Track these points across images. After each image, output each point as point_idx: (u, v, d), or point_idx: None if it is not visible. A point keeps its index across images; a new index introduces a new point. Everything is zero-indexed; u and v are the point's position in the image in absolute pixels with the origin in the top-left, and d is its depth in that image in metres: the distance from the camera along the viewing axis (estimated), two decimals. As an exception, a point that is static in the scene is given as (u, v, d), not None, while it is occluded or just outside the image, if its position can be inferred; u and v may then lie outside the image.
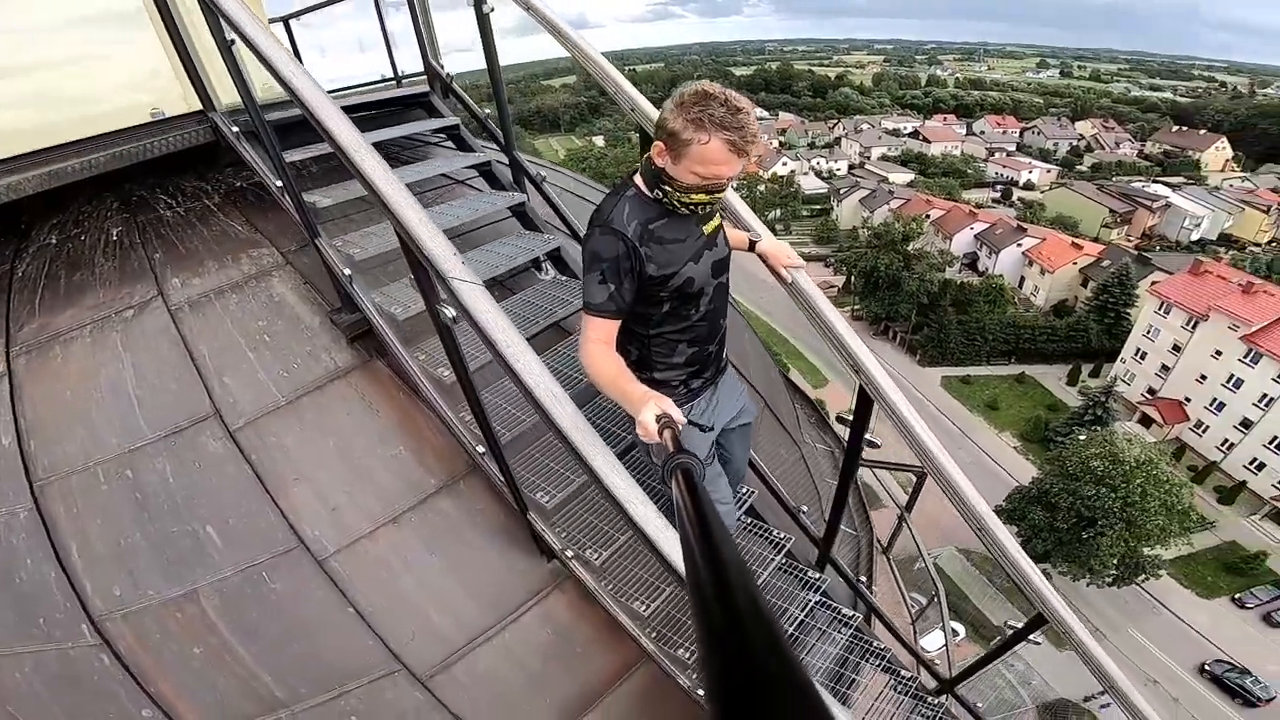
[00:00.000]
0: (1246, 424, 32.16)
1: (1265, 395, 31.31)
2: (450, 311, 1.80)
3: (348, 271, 2.65)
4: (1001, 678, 23.23)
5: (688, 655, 2.58)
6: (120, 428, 2.53)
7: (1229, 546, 29.00)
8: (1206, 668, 24.34)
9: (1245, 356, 31.91)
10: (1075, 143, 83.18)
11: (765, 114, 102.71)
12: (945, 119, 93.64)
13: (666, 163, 1.69)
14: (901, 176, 69.38)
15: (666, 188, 1.73)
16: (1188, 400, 34.93)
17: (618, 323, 1.80)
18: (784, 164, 70.83)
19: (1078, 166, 77.28)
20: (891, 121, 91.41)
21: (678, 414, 1.49)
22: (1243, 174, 74.89)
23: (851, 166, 75.26)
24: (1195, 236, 55.27)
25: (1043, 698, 22.74)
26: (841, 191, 62.20)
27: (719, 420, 2.26)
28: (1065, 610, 2.36)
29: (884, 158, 77.85)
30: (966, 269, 50.18)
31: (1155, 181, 66.19)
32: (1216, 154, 78.00)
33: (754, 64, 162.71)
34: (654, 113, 2.46)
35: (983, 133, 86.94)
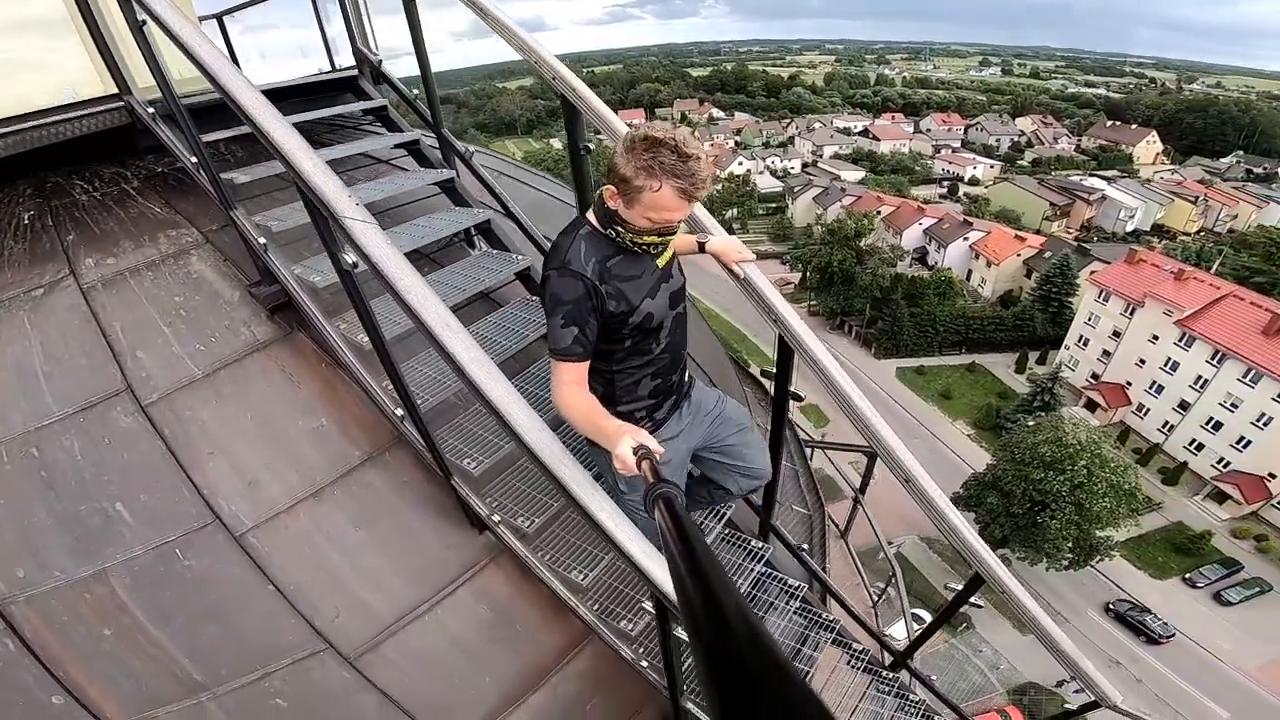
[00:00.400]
0: (1184, 406, 33.57)
1: (1200, 377, 32.71)
2: (349, 257, 1.78)
3: (263, 241, 2.59)
4: (970, 664, 23.81)
5: (631, 627, 2.58)
6: (26, 406, 2.43)
7: (1176, 527, 30.11)
8: (1111, 606, 25.96)
9: (1180, 340, 33.32)
10: (1016, 139, 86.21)
11: (721, 114, 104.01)
12: (894, 117, 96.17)
13: (619, 206, 1.69)
14: (853, 174, 70.86)
15: (619, 228, 1.74)
16: (1129, 384, 36.31)
17: (587, 363, 1.80)
18: (740, 163, 71.79)
19: (1019, 162, 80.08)
20: (842, 120, 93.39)
21: (654, 444, 1.49)
22: (1171, 166, 78.83)
23: (805, 165, 76.55)
24: (1130, 227, 57.80)
25: (1011, 682, 23.37)
26: (795, 190, 63.27)
27: (695, 435, 2.27)
28: (1000, 568, 2.40)
29: (836, 156, 79.40)
30: (917, 263, 51.49)
31: (1091, 175, 69.11)
32: (1147, 148, 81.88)
33: (710, 65, 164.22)
34: (601, 107, 2.50)
35: (929, 130, 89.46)
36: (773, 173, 74.39)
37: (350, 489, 2.60)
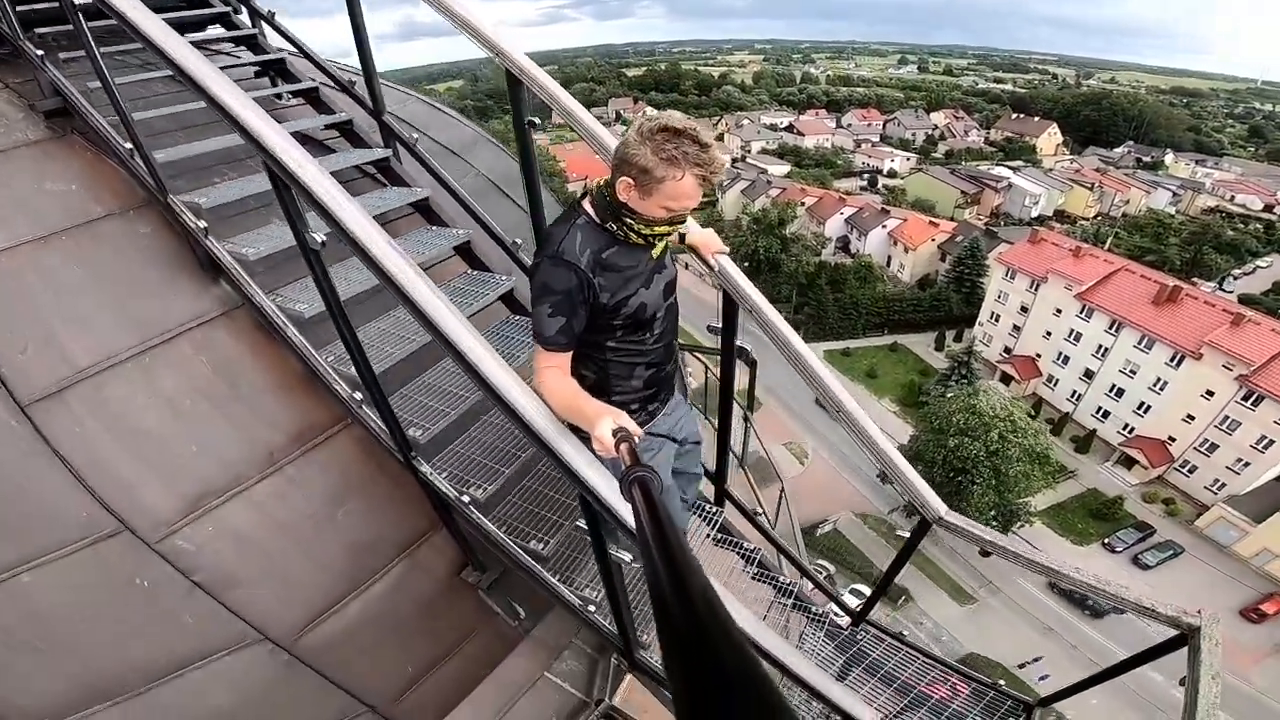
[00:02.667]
0: (1089, 374, 34.88)
1: (1101, 346, 34.05)
2: (319, 236, 1.84)
3: None
4: (913, 636, 23.67)
5: (421, 436, 2.48)
6: None
7: (1091, 494, 30.93)
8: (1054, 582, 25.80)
9: (1081, 313, 34.60)
10: (930, 132, 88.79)
11: (655, 112, 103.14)
12: (818, 113, 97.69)
13: (632, 198, 1.64)
14: (779, 168, 71.40)
15: (628, 220, 1.68)
16: (1039, 356, 37.55)
17: (570, 353, 1.76)
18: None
19: (933, 154, 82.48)
20: (769, 117, 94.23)
21: (634, 427, 1.44)
22: (1070, 156, 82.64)
23: (734, 160, 76.72)
24: (1034, 213, 60.02)
25: (953, 654, 23.37)
26: (724, 184, 63.11)
27: (683, 434, 2.31)
28: (928, 491, 2.29)
29: (764, 151, 79.98)
30: (840, 251, 52.13)
31: (999, 165, 71.70)
32: (1049, 139, 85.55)
33: (644, 64, 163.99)
34: (545, 78, 2.47)
35: (850, 125, 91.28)
36: (703, 168, 73.96)
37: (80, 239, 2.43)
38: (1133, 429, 32.88)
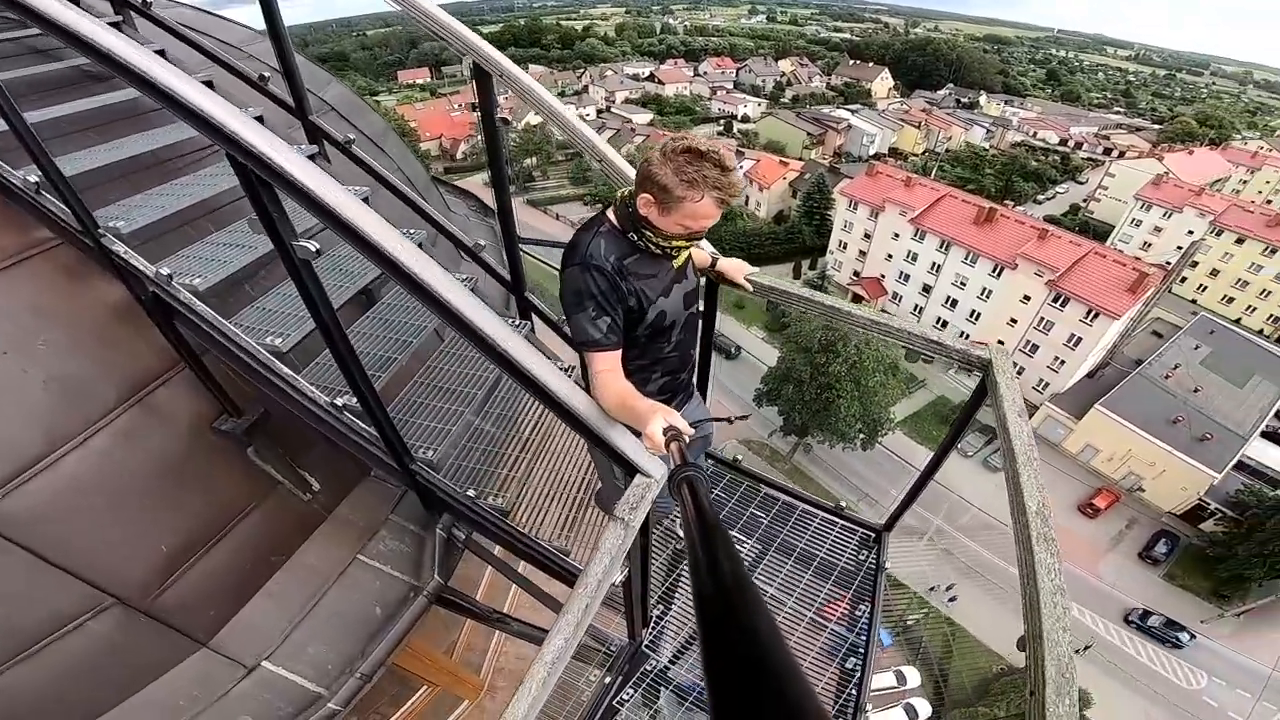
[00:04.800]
0: (927, 289, 37.30)
1: (934, 263, 36.43)
2: (312, 245, 1.48)
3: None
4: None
5: None
6: None
7: (940, 401, 33.03)
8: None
9: (915, 235, 36.74)
10: (779, 79, 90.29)
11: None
12: (676, 63, 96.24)
13: (652, 214, 1.64)
14: (642, 117, 69.70)
15: (647, 233, 1.68)
16: (883, 277, 39.61)
17: (619, 351, 1.71)
18: (534, 115, 67.13)
19: (781, 99, 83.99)
20: (632, 68, 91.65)
21: (685, 426, 1.40)
22: (900, 98, 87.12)
23: (599, 111, 74.02)
24: (872, 150, 62.87)
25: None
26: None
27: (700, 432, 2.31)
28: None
29: (627, 101, 77.67)
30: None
31: (840, 108, 74.13)
32: (882, 83, 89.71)
33: (503, 20, 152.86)
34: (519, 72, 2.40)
35: (706, 74, 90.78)
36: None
37: None
38: (967, 335, 35.40)
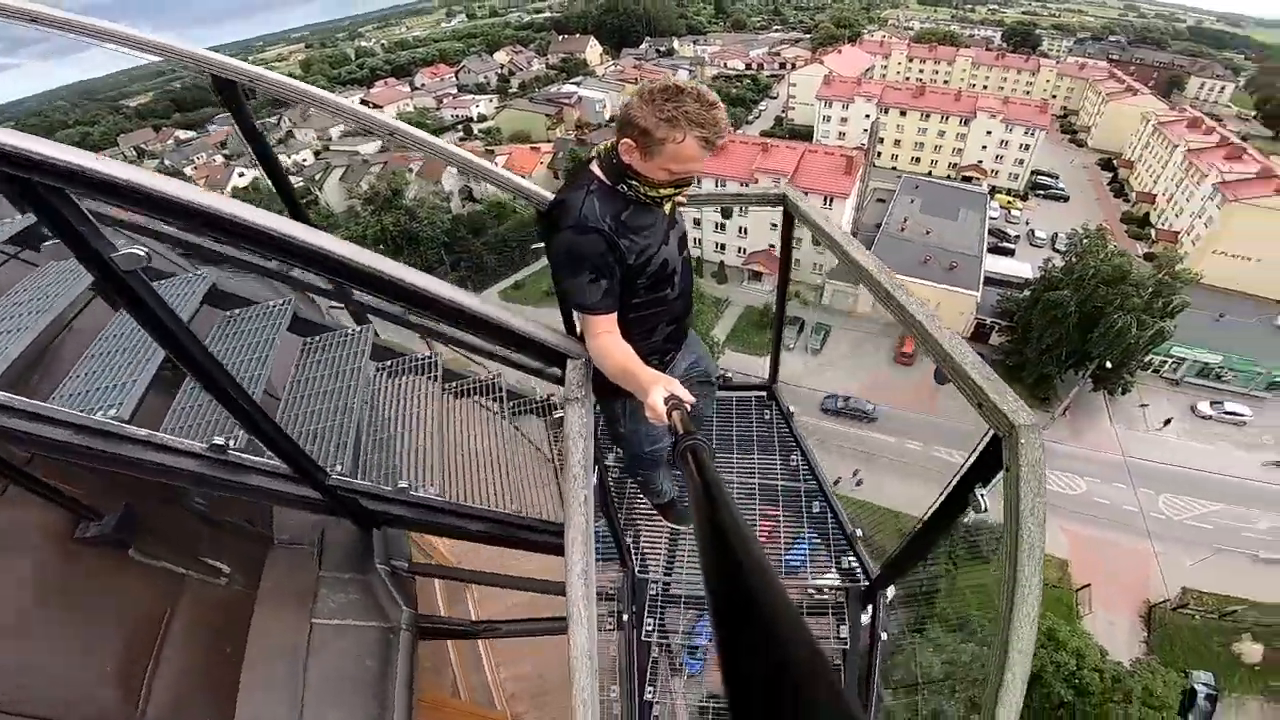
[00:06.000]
0: (698, 223, 40.22)
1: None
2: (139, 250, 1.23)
3: None
4: None
5: None
6: None
7: (748, 313, 36.47)
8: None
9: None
10: (500, 71, 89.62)
11: (190, 133, 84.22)
12: (387, 83, 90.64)
13: (635, 159, 1.55)
14: (370, 145, 64.91)
15: (633, 182, 1.59)
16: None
17: (615, 313, 1.66)
18: (240, 175, 58.66)
19: (510, 90, 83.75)
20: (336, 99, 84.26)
21: (686, 395, 1.38)
22: (613, 61, 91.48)
23: (316, 152, 67.52)
24: (606, 115, 65.58)
25: None
26: (318, 178, 55.20)
27: (700, 371, 2.33)
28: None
29: (345, 134, 71.60)
30: (466, 200, 50.47)
31: (566, 84, 75.94)
32: (593, 51, 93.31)
33: (155, 89, 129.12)
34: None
35: (424, 85, 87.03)
36: (282, 172, 63.35)
37: None
38: (743, 249, 39.33)
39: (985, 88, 68.62)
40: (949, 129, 51.53)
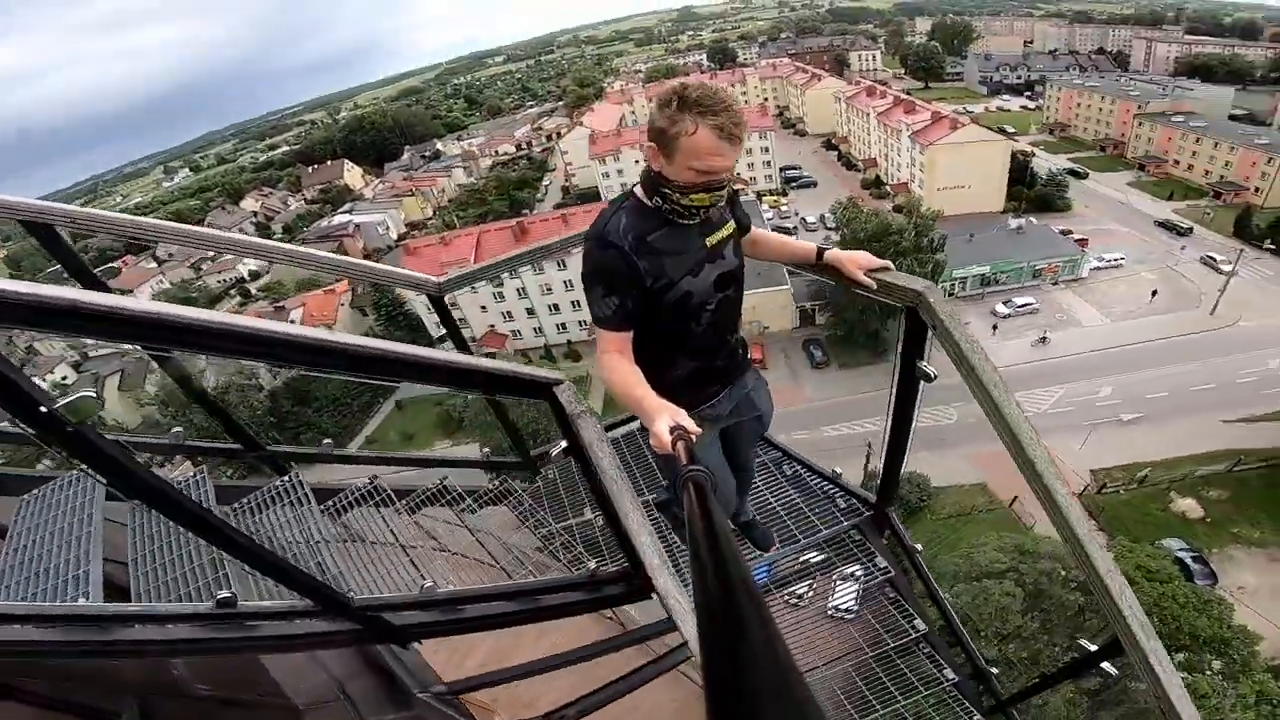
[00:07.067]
0: (532, 313, 39.95)
1: (519, 289, 39.84)
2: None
3: None
4: None
5: None
6: None
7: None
8: None
9: (494, 285, 38.86)
10: (254, 220, 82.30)
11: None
12: (126, 261, 78.74)
13: (661, 164, 1.54)
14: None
15: (665, 190, 1.55)
16: (494, 328, 41.45)
17: (630, 332, 1.65)
18: None
19: (274, 236, 77.29)
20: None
21: (691, 425, 1.33)
22: (378, 180, 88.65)
23: (76, 365, 56.54)
24: (394, 235, 63.28)
25: None
26: (97, 393, 46.06)
27: (751, 412, 2.16)
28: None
29: (101, 337, 60.88)
30: (277, 371, 45.34)
31: (336, 215, 72.10)
32: (351, 173, 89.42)
33: None
34: None
35: (171, 255, 77.09)
36: None
37: None
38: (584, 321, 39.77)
39: (716, 108, 77.52)
40: (704, 152, 57.18)
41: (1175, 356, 31.13)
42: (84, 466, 1.24)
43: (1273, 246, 39.73)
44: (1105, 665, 2.06)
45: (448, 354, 1.54)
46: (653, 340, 1.72)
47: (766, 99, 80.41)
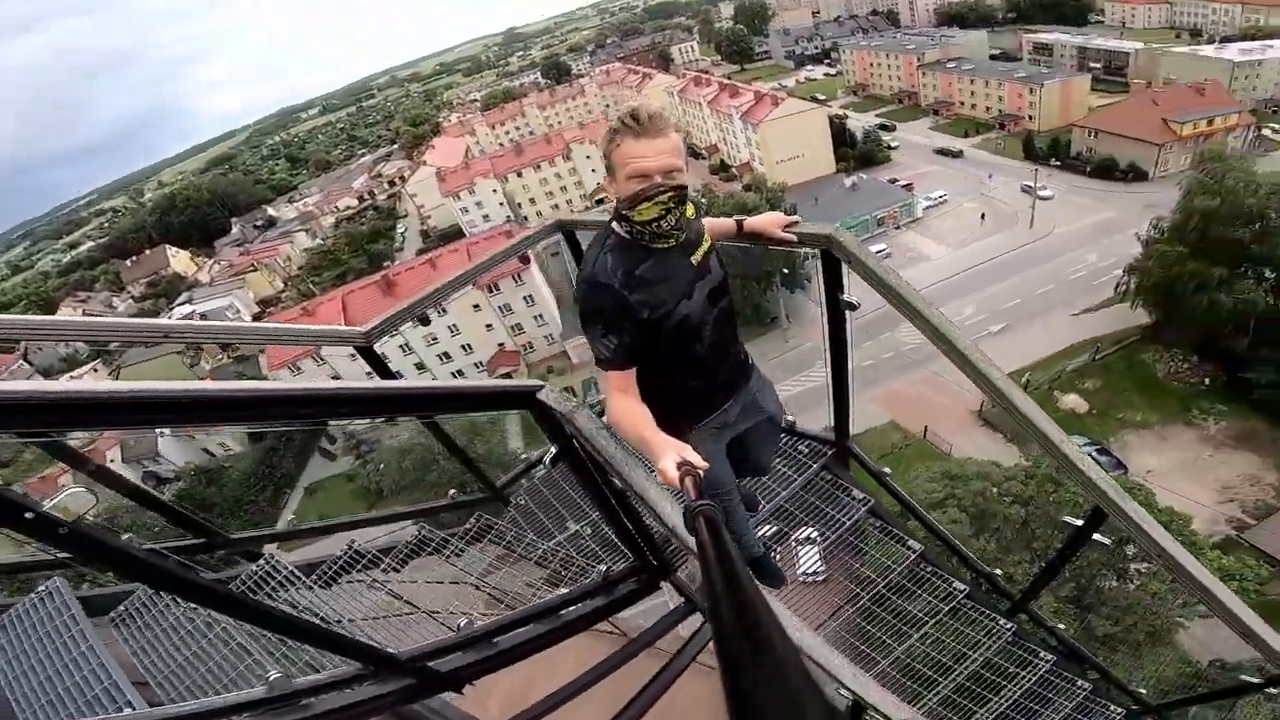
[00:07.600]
0: (443, 356, 38.33)
1: (429, 336, 37.82)
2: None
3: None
4: None
5: None
6: None
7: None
8: None
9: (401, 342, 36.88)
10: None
11: None
12: None
13: (613, 189, 1.60)
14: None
15: (625, 214, 1.57)
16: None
17: (633, 369, 1.66)
18: None
19: (110, 347, 67.98)
20: None
21: (697, 460, 1.34)
22: (212, 260, 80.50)
23: None
24: (247, 317, 57.99)
25: None
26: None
27: (759, 415, 2.16)
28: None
29: None
30: (157, 485, 40.13)
31: (175, 308, 64.92)
32: (178, 259, 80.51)
33: None
34: None
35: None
36: None
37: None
38: (481, 364, 38.90)
39: (561, 123, 78.24)
40: (560, 169, 57.61)
41: (1015, 269, 35.52)
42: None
43: (1058, 164, 46.53)
44: (1097, 536, 2.32)
45: (429, 384, 1.58)
46: (659, 367, 1.73)
47: (608, 106, 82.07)
